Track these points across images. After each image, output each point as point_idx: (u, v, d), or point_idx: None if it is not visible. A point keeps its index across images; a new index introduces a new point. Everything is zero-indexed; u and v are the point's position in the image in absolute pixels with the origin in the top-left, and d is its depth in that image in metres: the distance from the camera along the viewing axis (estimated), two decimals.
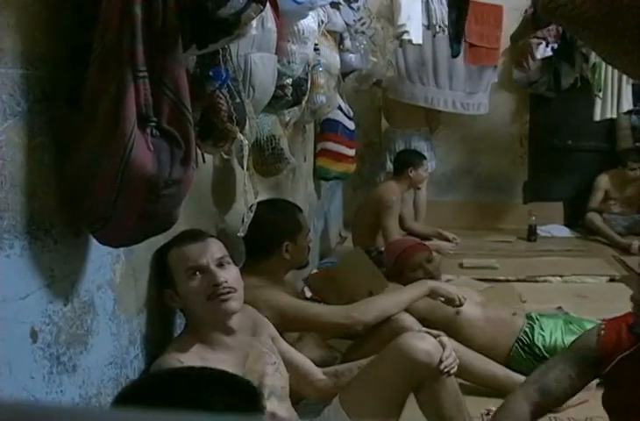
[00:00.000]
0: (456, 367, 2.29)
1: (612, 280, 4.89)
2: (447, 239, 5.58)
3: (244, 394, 1.26)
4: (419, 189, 5.52)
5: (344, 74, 4.53)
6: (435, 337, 2.29)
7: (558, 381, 2.01)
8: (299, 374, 2.33)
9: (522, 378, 2.88)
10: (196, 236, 2.05)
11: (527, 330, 3.20)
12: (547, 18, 3.71)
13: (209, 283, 1.98)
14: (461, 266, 5.19)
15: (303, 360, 2.39)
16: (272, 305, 2.51)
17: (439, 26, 5.05)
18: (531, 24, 3.59)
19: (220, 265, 2.01)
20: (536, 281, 4.84)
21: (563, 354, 2.10)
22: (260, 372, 2.08)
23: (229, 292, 1.99)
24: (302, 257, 2.87)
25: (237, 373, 1.91)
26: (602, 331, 1.97)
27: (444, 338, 2.31)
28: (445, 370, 2.24)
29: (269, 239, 2.73)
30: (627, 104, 6.23)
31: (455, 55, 5.47)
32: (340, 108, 4.76)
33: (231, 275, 2.02)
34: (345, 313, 2.68)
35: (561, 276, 4.95)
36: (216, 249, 2.04)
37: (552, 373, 2.03)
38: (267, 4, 1.71)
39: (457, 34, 5.22)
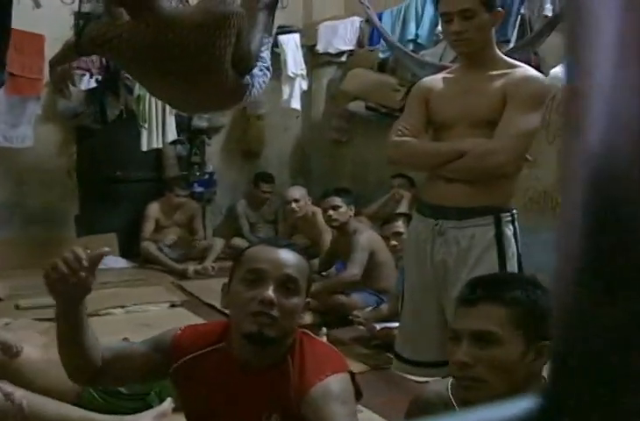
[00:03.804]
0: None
1: (173, 305, 5.03)
2: None
3: None
4: None
5: None
6: None
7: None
8: None
9: (98, 416, 2.83)
10: None
11: None
12: (93, 51, 3.71)
13: None
14: (17, 307, 4.95)
15: None
16: None
17: None
18: (74, 51, 3.60)
19: None
20: (99, 315, 4.75)
21: (142, 344, 2.07)
22: None
23: None
24: None
25: None
26: (179, 331, 2.02)
27: None
28: None
29: None
30: (171, 135, 6.51)
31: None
32: None
33: None
34: None
35: (123, 307, 4.95)
36: None
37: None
38: None
39: None
